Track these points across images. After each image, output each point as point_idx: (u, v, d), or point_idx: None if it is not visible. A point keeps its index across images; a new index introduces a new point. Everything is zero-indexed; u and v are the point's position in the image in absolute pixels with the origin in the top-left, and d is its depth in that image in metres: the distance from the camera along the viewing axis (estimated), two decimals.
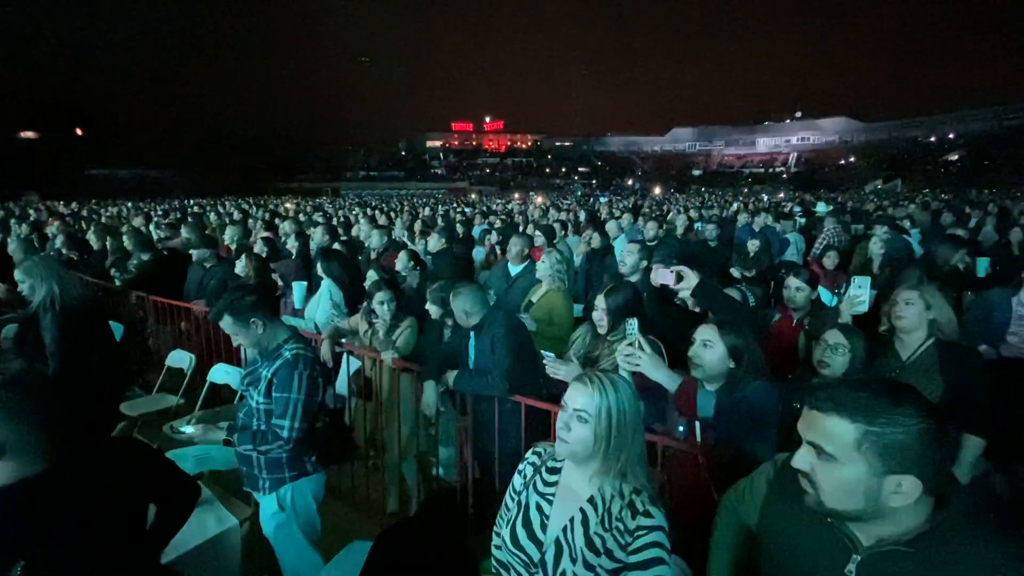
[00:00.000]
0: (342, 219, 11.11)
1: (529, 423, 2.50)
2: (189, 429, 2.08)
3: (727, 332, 1.87)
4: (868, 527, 0.99)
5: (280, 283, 4.37)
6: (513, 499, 1.43)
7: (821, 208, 12.59)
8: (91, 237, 6.59)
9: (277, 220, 10.18)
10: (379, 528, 1.31)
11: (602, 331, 2.51)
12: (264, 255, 4.74)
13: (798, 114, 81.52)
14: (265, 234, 6.85)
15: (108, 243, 6.16)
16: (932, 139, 66.22)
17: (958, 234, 5.34)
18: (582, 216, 10.67)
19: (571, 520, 1.29)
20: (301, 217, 11.63)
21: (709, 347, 1.88)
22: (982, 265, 4.23)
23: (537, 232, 6.26)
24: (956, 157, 58.78)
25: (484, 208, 15.24)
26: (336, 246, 5.13)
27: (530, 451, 1.49)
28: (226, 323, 2.05)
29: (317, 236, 5.63)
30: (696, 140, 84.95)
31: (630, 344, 1.95)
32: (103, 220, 12.75)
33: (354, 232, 7.60)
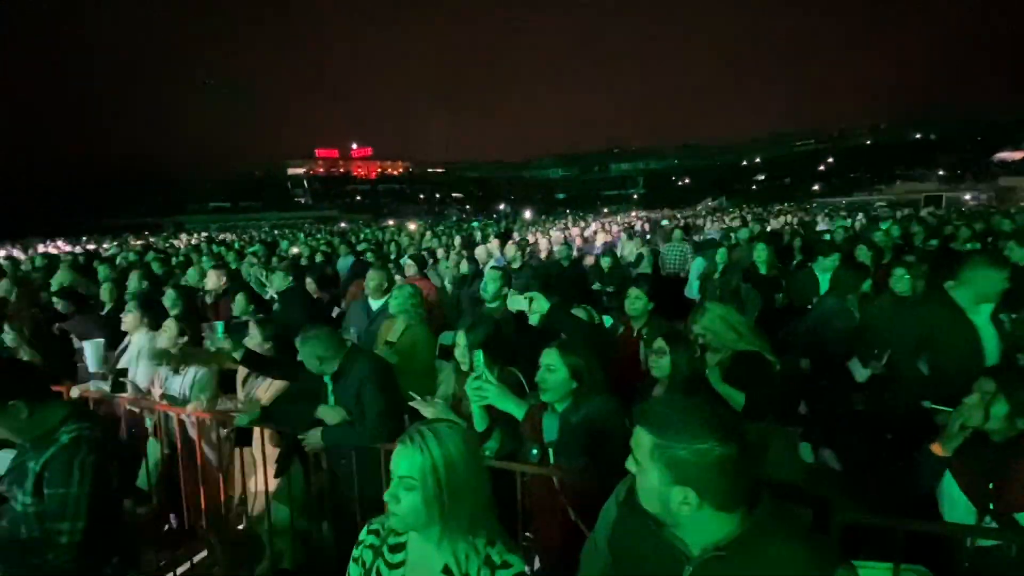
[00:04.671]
0: (181, 258, 9.79)
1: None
2: None
3: (567, 354, 1.93)
4: (687, 536, 1.05)
5: (77, 343, 3.63)
6: None
7: (665, 223, 14.38)
8: None
9: (95, 263, 8.63)
10: None
11: (465, 368, 2.47)
12: (67, 310, 3.94)
13: (639, 143, 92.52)
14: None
15: None
16: (744, 163, 79.48)
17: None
18: (457, 242, 10.71)
19: None
20: (126, 259, 9.99)
21: (552, 371, 1.93)
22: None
23: (408, 261, 6.10)
24: (762, 177, 71.14)
25: (352, 238, 14.56)
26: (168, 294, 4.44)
27: (364, 530, 1.32)
28: None
29: (132, 283, 4.82)
30: (558, 166, 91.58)
31: (477, 377, 1.95)
32: None
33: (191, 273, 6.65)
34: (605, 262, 6.38)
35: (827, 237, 7.73)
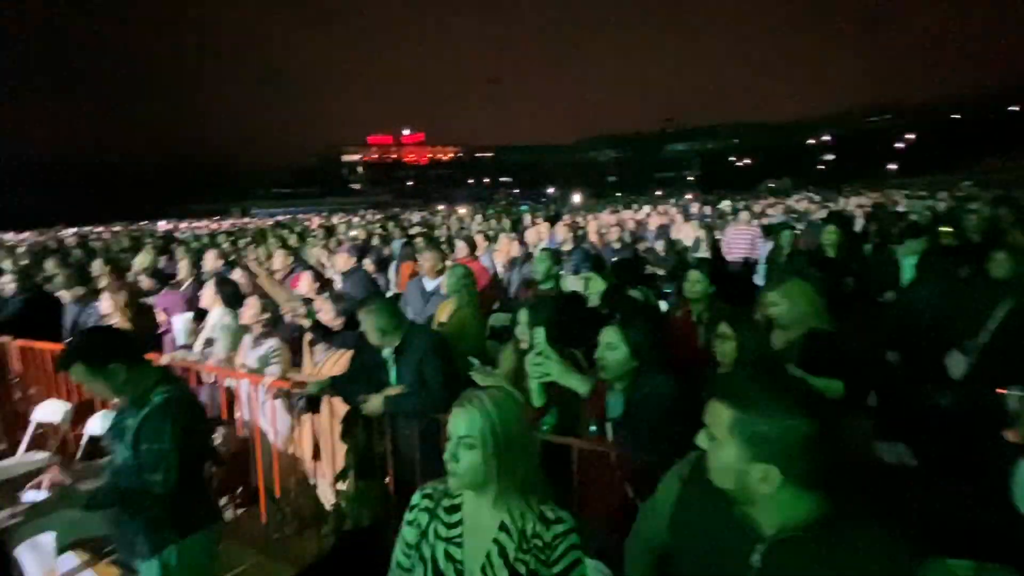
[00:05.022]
0: (248, 240, 10.40)
1: None
2: (38, 495, 1.79)
3: (628, 331, 1.93)
4: (761, 515, 1.02)
5: (164, 317, 3.96)
6: (409, 556, 1.29)
7: (725, 205, 13.73)
8: None
9: (174, 246, 9.34)
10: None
11: (525, 347, 2.49)
12: (149, 287, 4.30)
13: (698, 121, 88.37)
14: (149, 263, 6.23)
15: None
16: (811, 141, 74.34)
17: None
18: (506, 225, 10.75)
19: (488, 556, 1.21)
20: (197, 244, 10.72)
21: (612, 349, 1.93)
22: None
23: (460, 243, 6.20)
24: (831, 157, 66.38)
25: (405, 223, 14.94)
26: (237, 274, 4.76)
27: (417, 494, 1.37)
28: (77, 372, 1.79)
29: (209, 261, 5.17)
30: (609, 148, 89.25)
31: (538, 354, 1.97)
32: None
33: (259, 253, 7.08)
34: (660, 246, 6.21)
35: (912, 218, 7.15)
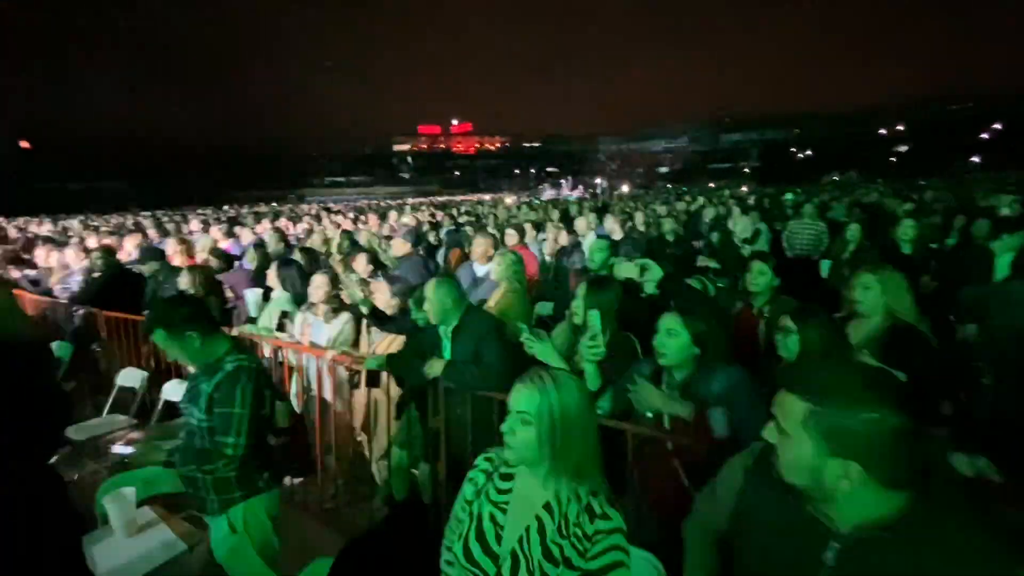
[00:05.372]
0: (304, 226, 10.83)
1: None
2: (127, 450, 1.95)
3: (690, 319, 1.87)
4: (838, 512, 0.96)
5: (231, 294, 4.20)
6: (464, 510, 1.35)
7: (789, 198, 13.01)
8: (40, 253, 6.31)
9: (237, 228, 9.86)
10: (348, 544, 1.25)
11: (578, 321, 2.46)
12: (216, 266, 4.57)
13: (759, 110, 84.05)
14: (221, 244, 6.63)
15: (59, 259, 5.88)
16: (882, 131, 69.24)
17: None
18: (554, 215, 10.67)
19: (527, 529, 1.23)
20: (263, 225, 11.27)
21: (673, 335, 1.87)
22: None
23: (510, 230, 6.21)
24: (904, 148, 61.64)
25: (453, 210, 15.13)
26: (296, 255, 4.97)
27: (480, 457, 1.41)
28: (159, 337, 1.93)
29: (271, 244, 5.45)
30: (661, 138, 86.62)
31: (592, 337, 1.93)
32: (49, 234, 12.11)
33: (315, 238, 7.37)
34: (715, 238, 5.95)
35: (1004, 212, 6.52)
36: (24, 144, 64.31)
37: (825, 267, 5.02)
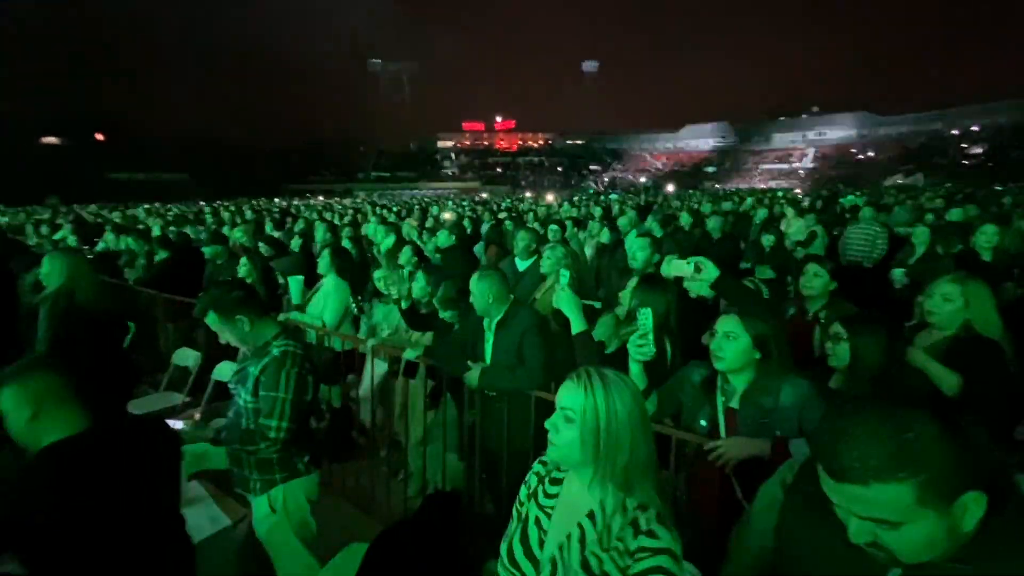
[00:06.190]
0: (349, 217, 11.14)
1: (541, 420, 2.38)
2: (178, 425, 2.03)
3: (751, 322, 1.74)
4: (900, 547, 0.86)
5: (282, 281, 4.35)
6: (518, 511, 1.33)
7: (850, 201, 12.35)
8: (108, 236, 6.77)
9: (288, 219, 10.26)
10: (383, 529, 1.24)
11: (621, 314, 2.39)
12: (269, 254, 4.75)
13: (815, 108, 79.99)
14: (275, 233, 6.89)
15: (121, 242, 6.28)
16: (954, 131, 64.50)
17: None
18: (596, 212, 10.53)
19: (568, 537, 1.18)
20: (311, 216, 11.67)
21: (732, 339, 1.75)
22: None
23: (554, 227, 6.17)
24: (979, 150, 57.23)
25: (494, 206, 15.20)
26: (346, 244, 5.11)
27: (537, 460, 1.39)
28: (211, 320, 2.00)
29: (319, 234, 5.61)
30: (710, 136, 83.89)
31: (642, 335, 1.83)
32: (118, 220, 12.96)
33: (363, 231, 7.59)
34: (767, 240, 5.64)
35: None
36: (99, 136, 69.04)
37: (898, 275, 4.67)
